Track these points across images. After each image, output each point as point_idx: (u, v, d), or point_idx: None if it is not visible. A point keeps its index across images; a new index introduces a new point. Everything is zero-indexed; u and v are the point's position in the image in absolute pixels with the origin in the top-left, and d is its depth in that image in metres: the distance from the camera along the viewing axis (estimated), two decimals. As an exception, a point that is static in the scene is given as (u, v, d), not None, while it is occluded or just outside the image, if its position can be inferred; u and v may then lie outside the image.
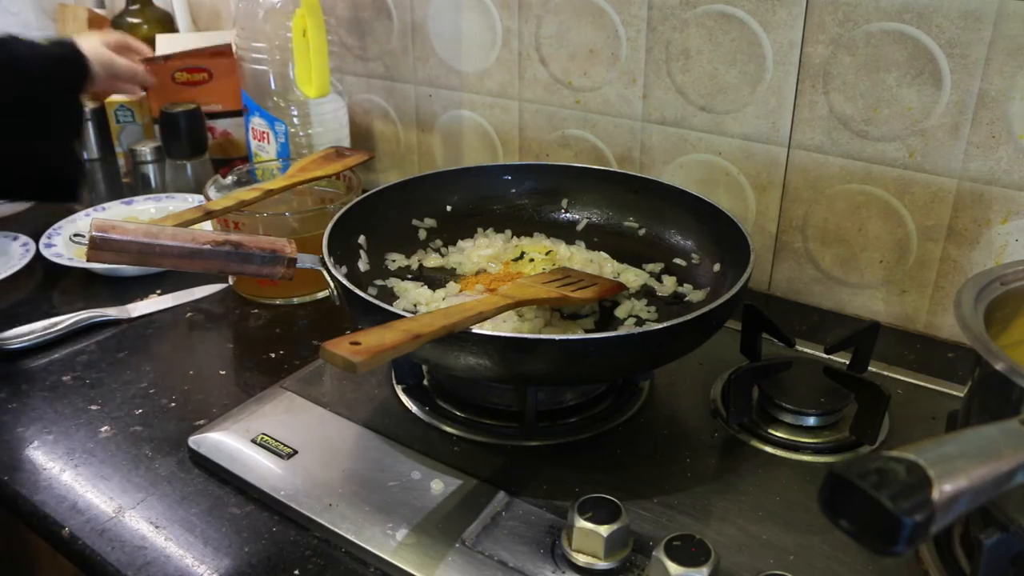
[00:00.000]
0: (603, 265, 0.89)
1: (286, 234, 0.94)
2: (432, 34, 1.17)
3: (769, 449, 0.73)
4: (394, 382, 0.81)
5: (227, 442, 0.73)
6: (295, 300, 0.99)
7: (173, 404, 0.80)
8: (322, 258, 0.75)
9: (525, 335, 0.72)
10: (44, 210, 1.24)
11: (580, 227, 0.95)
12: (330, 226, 0.79)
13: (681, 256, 0.89)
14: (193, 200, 1.19)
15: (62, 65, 0.94)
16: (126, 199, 1.21)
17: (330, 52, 1.10)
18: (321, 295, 0.99)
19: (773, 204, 0.98)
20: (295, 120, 1.16)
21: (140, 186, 1.27)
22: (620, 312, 0.82)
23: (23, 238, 1.10)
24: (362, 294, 0.68)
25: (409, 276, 0.88)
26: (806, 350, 0.85)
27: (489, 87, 1.15)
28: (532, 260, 0.89)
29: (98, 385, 0.84)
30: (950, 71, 0.82)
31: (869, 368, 0.81)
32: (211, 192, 1.01)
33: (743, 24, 0.92)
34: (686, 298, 0.84)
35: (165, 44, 1.36)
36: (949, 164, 0.85)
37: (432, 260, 0.90)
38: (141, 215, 1.17)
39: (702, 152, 1.00)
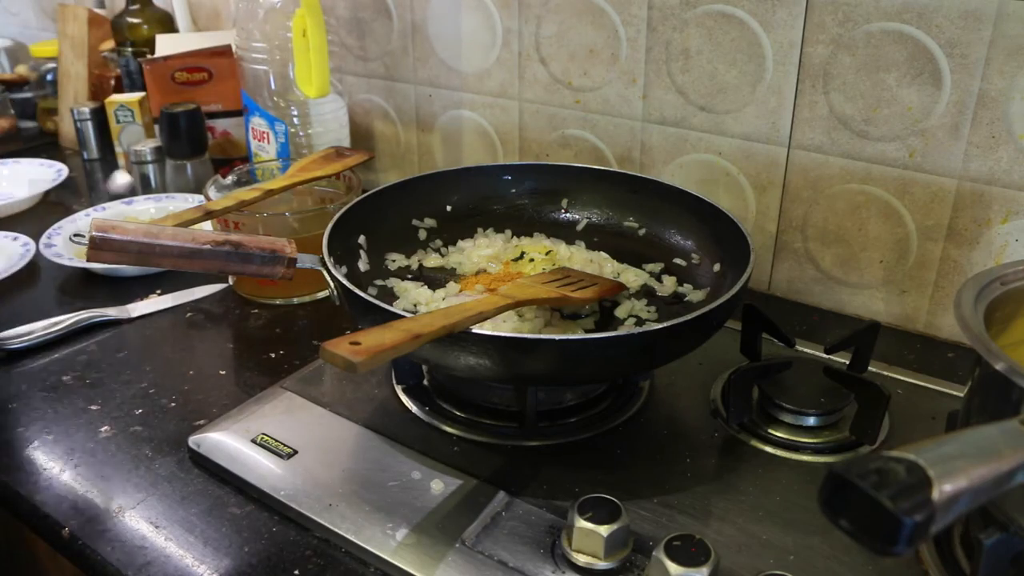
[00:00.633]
0: (603, 265, 0.89)
1: (286, 234, 0.94)
2: (432, 34, 1.17)
3: (769, 449, 0.73)
4: (394, 382, 0.81)
5: (227, 442, 0.73)
6: (295, 300, 0.99)
7: (173, 404, 0.80)
8: (322, 258, 0.75)
9: (525, 335, 0.72)
10: (44, 210, 1.25)
11: (580, 227, 0.95)
12: (330, 226, 0.79)
13: (681, 256, 0.89)
14: (193, 200, 1.19)
15: None
16: (126, 199, 1.21)
17: (330, 52, 1.10)
18: (321, 295, 0.99)
19: (773, 204, 0.98)
20: (295, 120, 1.16)
21: (140, 186, 1.27)
22: (620, 312, 0.82)
23: (23, 238, 1.10)
24: (362, 294, 0.68)
25: (409, 276, 0.88)
26: (806, 350, 0.85)
27: (489, 87, 1.15)
28: (532, 260, 0.89)
29: (98, 385, 0.84)
30: (950, 71, 0.82)
31: (869, 368, 0.81)
32: (211, 192, 1.01)
33: (743, 24, 0.92)
34: (686, 298, 0.84)
35: (165, 44, 1.36)
36: (949, 164, 0.85)
37: (432, 260, 0.90)
38: (141, 215, 1.17)
39: (702, 152, 1.00)
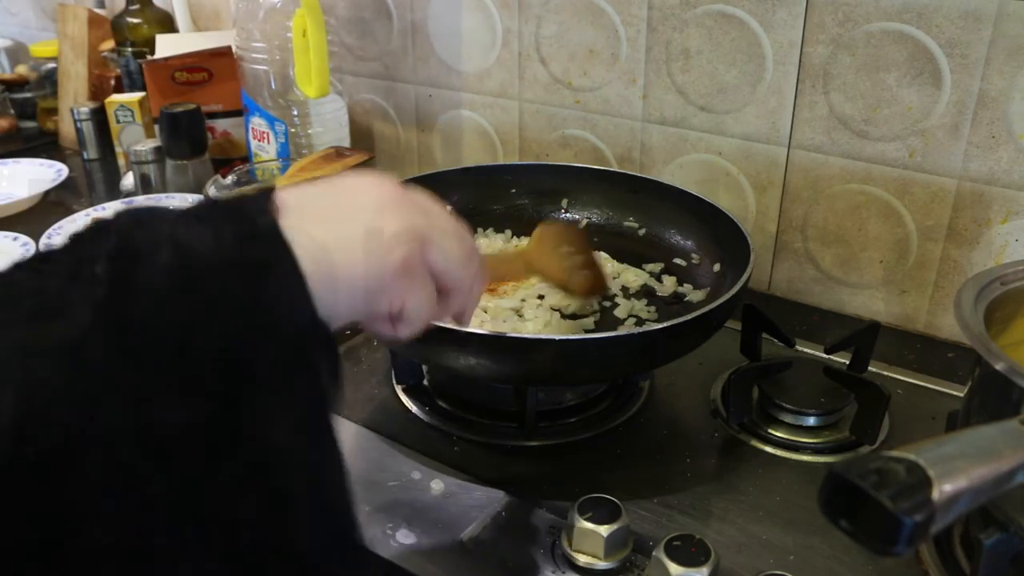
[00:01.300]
0: (603, 266, 0.89)
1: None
2: (432, 34, 1.17)
3: (769, 449, 0.73)
4: (394, 382, 0.81)
5: (227, 442, 0.72)
6: (295, 300, 0.99)
7: (173, 404, 0.80)
8: (322, 258, 0.75)
9: (525, 335, 0.72)
10: (44, 210, 1.25)
11: (580, 227, 0.95)
12: (330, 226, 0.79)
13: (681, 256, 0.89)
14: (193, 200, 1.19)
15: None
16: (126, 199, 1.21)
17: (330, 52, 1.10)
18: (321, 295, 0.99)
19: (773, 204, 0.98)
20: (295, 120, 1.16)
21: (140, 186, 1.27)
22: (620, 312, 0.82)
23: (23, 238, 1.10)
24: (362, 294, 0.68)
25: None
26: (806, 350, 0.85)
27: (489, 87, 1.15)
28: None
29: (98, 385, 0.83)
30: (950, 71, 0.82)
31: (869, 368, 0.81)
32: (211, 192, 1.01)
33: (743, 24, 0.92)
34: (686, 298, 0.84)
35: (165, 44, 1.36)
36: (949, 164, 0.85)
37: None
38: (141, 215, 1.17)
39: (702, 152, 1.00)
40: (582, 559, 0.59)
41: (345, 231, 0.42)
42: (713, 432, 0.75)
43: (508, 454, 0.72)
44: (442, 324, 0.59)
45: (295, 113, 1.15)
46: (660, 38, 0.98)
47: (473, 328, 0.62)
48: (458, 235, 0.49)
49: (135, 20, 1.43)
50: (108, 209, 1.18)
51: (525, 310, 0.79)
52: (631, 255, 0.91)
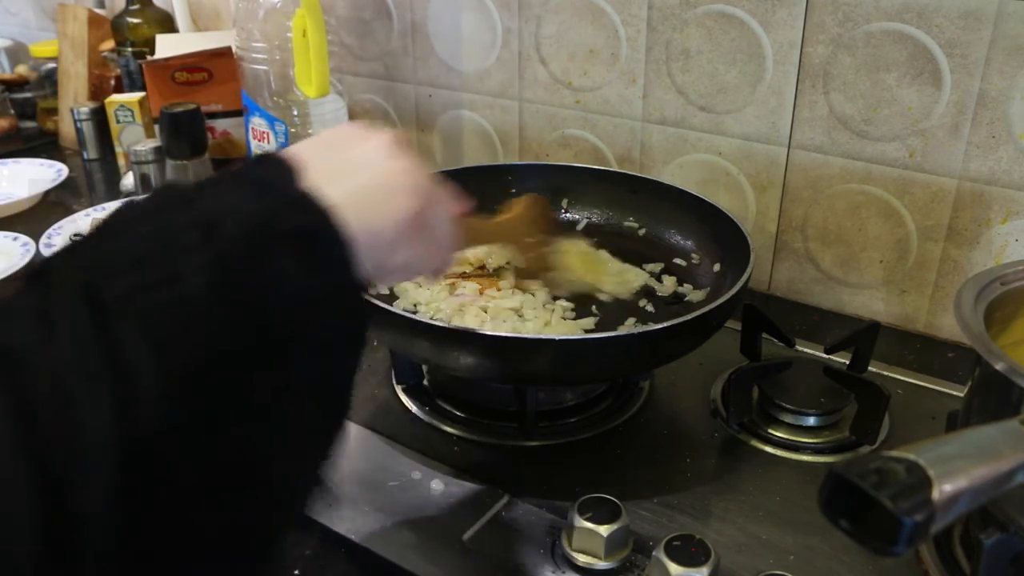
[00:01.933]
0: (603, 264, 0.89)
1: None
2: (432, 34, 1.17)
3: (769, 449, 0.73)
4: (394, 382, 0.81)
5: (227, 442, 0.72)
6: (295, 300, 0.99)
7: (173, 404, 0.80)
8: (322, 258, 0.75)
9: (525, 335, 0.72)
10: (44, 210, 1.25)
11: (580, 227, 0.95)
12: (330, 226, 0.79)
13: (681, 256, 0.89)
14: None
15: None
16: (126, 199, 1.21)
17: (330, 52, 1.10)
18: (321, 295, 0.99)
19: (773, 204, 0.98)
20: (295, 120, 1.16)
21: (140, 186, 1.27)
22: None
23: (23, 238, 1.10)
24: (362, 294, 0.68)
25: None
26: (806, 350, 0.85)
27: (489, 87, 1.15)
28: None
29: (98, 385, 0.83)
30: (950, 71, 0.82)
31: (869, 368, 0.81)
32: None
33: (743, 24, 0.92)
34: (686, 298, 0.84)
35: (165, 44, 1.36)
36: (949, 164, 0.85)
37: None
38: (141, 215, 1.17)
39: (702, 152, 1.00)
40: (582, 559, 0.59)
41: (356, 187, 0.44)
42: (713, 432, 0.75)
43: (508, 454, 0.72)
44: (439, 323, 0.59)
45: (295, 113, 1.15)
46: (660, 38, 0.98)
47: (473, 328, 0.62)
48: (445, 192, 0.52)
49: (135, 20, 1.43)
50: (107, 210, 1.18)
51: (525, 310, 0.79)
52: (631, 255, 0.91)
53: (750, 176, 0.98)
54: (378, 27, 1.22)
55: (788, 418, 0.75)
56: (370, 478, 0.69)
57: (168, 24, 1.46)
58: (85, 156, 1.45)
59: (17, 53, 1.75)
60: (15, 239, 1.10)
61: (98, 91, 1.47)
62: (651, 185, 0.92)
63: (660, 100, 1.01)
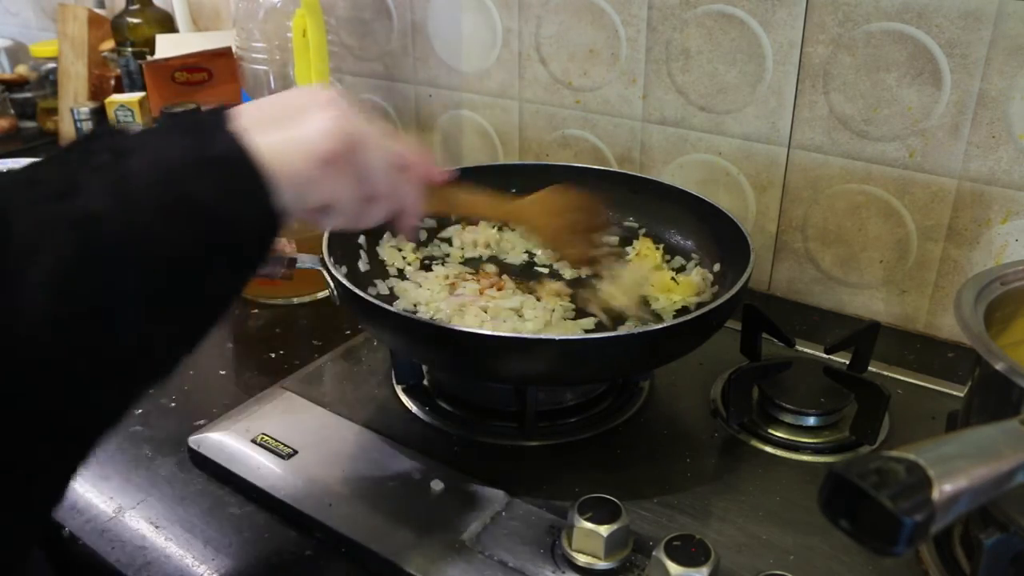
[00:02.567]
0: (602, 244, 0.89)
1: (286, 234, 0.94)
2: (432, 34, 1.17)
3: (769, 449, 0.73)
4: (394, 382, 0.81)
5: (227, 442, 0.72)
6: (295, 300, 0.99)
7: (173, 404, 0.80)
8: (322, 258, 0.75)
9: (525, 335, 0.72)
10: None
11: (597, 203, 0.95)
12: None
13: (681, 256, 0.89)
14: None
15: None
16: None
17: (330, 52, 1.10)
18: (321, 295, 0.99)
19: (773, 204, 0.98)
20: (295, 120, 1.15)
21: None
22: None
23: (23, 238, 1.10)
24: (362, 294, 0.68)
25: (408, 276, 0.88)
26: (806, 350, 0.85)
27: (489, 87, 1.15)
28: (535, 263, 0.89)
29: (98, 385, 0.83)
30: (950, 71, 0.82)
31: (869, 368, 0.81)
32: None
33: (743, 24, 0.92)
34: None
35: (165, 44, 1.36)
36: (949, 164, 0.85)
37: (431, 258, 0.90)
38: (141, 215, 1.17)
39: (702, 152, 1.00)
40: (582, 559, 0.59)
41: (282, 133, 0.47)
42: (713, 432, 0.75)
43: (508, 454, 0.72)
44: (439, 323, 0.59)
45: (295, 113, 1.15)
46: (660, 38, 0.98)
47: (473, 328, 0.62)
48: (387, 145, 0.53)
49: (135, 20, 1.43)
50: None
51: (525, 310, 0.79)
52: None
53: (750, 176, 0.98)
54: (378, 27, 1.22)
55: (788, 418, 0.75)
56: (370, 478, 0.69)
57: (168, 24, 1.46)
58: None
59: (17, 53, 1.75)
60: (15, 239, 1.10)
61: (98, 91, 1.47)
62: (651, 185, 0.92)
63: (660, 100, 1.01)
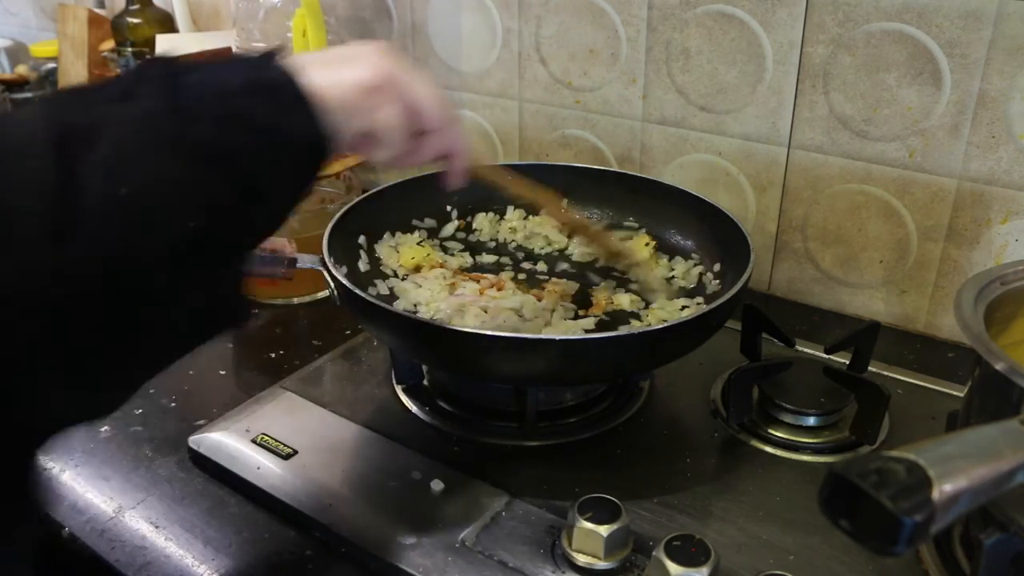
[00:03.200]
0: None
1: (286, 234, 0.94)
2: (432, 34, 1.17)
3: (769, 449, 0.73)
4: (394, 382, 0.81)
5: (227, 442, 0.73)
6: (295, 300, 0.99)
7: (173, 404, 0.80)
8: (322, 258, 0.75)
9: (525, 335, 0.72)
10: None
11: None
12: (330, 226, 0.79)
13: (681, 256, 0.89)
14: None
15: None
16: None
17: (330, 52, 1.10)
18: (321, 295, 0.99)
19: (773, 204, 0.98)
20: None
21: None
22: (621, 301, 0.82)
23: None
24: (362, 294, 0.68)
25: (408, 276, 0.88)
26: (806, 350, 0.85)
27: (489, 87, 1.15)
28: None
29: (98, 385, 0.83)
30: (950, 71, 0.82)
31: (869, 368, 0.81)
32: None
33: (743, 24, 0.92)
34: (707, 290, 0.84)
35: (165, 44, 1.36)
36: (949, 164, 0.85)
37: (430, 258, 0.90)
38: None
39: (702, 152, 1.00)
40: (582, 559, 0.59)
41: (333, 70, 0.50)
42: (713, 432, 0.75)
43: (508, 454, 0.72)
44: (439, 323, 0.59)
45: (295, 113, 1.15)
46: (660, 38, 0.98)
47: (473, 328, 0.62)
48: (433, 86, 0.55)
49: (135, 20, 1.43)
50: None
51: (525, 310, 0.79)
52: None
53: (750, 176, 0.98)
54: (378, 27, 1.22)
55: (788, 418, 0.75)
56: (370, 478, 0.69)
57: (168, 24, 1.46)
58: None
59: (17, 53, 1.75)
60: (15, 239, 1.10)
61: (98, 91, 1.47)
62: (651, 185, 0.92)
63: (660, 100, 1.01)
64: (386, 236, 0.89)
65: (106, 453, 0.74)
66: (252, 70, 0.47)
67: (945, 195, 0.86)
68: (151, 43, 1.38)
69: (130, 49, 1.40)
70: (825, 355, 0.83)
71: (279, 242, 0.75)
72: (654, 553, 0.56)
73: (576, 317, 0.80)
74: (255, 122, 0.45)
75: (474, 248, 0.92)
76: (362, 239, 0.86)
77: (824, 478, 0.37)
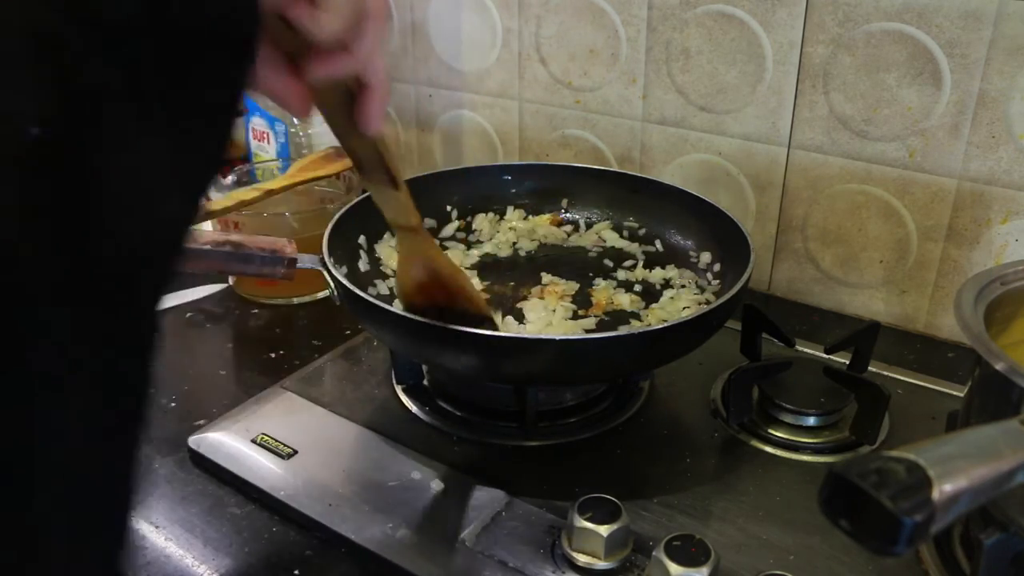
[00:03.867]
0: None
1: (286, 234, 0.94)
2: (432, 34, 1.17)
3: (769, 449, 0.73)
4: (394, 382, 0.81)
5: (227, 442, 0.73)
6: (295, 300, 0.99)
7: (173, 404, 0.80)
8: (322, 258, 0.75)
9: (525, 335, 0.72)
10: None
11: (581, 226, 0.95)
12: (330, 226, 0.79)
13: (681, 256, 0.89)
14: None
15: None
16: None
17: (330, 52, 1.10)
18: (321, 295, 0.99)
19: (773, 204, 0.98)
20: (295, 120, 1.16)
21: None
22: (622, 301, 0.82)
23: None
24: (362, 294, 0.68)
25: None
26: (806, 350, 0.85)
27: (489, 87, 1.15)
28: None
29: (98, 385, 0.83)
30: (950, 71, 0.82)
31: (869, 368, 0.81)
32: (211, 192, 1.01)
33: (743, 24, 0.92)
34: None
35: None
36: (949, 164, 0.85)
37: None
38: (141, 215, 1.17)
39: (702, 152, 1.00)
40: (582, 559, 0.59)
41: None
42: (713, 432, 0.75)
43: (508, 454, 0.72)
44: (439, 323, 0.59)
45: (295, 113, 1.15)
46: (660, 38, 0.98)
47: (473, 328, 0.62)
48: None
49: (135, 20, 1.42)
50: None
51: (525, 310, 0.79)
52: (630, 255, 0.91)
53: (750, 176, 0.98)
54: (378, 27, 1.22)
55: (788, 418, 0.75)
56: (370, 478, 0.69)
57: (168, 24, 1.46)
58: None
59: (17, 53, 1.74)
60: (15, 239, 1.10)
61: (98, 91, 1.47)
62: (651, 185, 0.92)
63: (660, 100, 1.01)
64: (386, 236, 0.89)
65: (106, 453, 0.74)
66: None
67: (945, 195, 0.86)
68: (151, 43, 1.38)
69: (130, 49, 1.40)
70: (825, 355, 0.83)
71: (279, 242, 0.75)
72: (654, 553, 0.56)
73: (576, 317, 0.80)
74: None
75: (473, 248, 0.92)
76: (362, 239, 0.86)
77: (824, 478, 0.37)
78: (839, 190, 0.92)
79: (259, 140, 1.18)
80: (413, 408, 0.78)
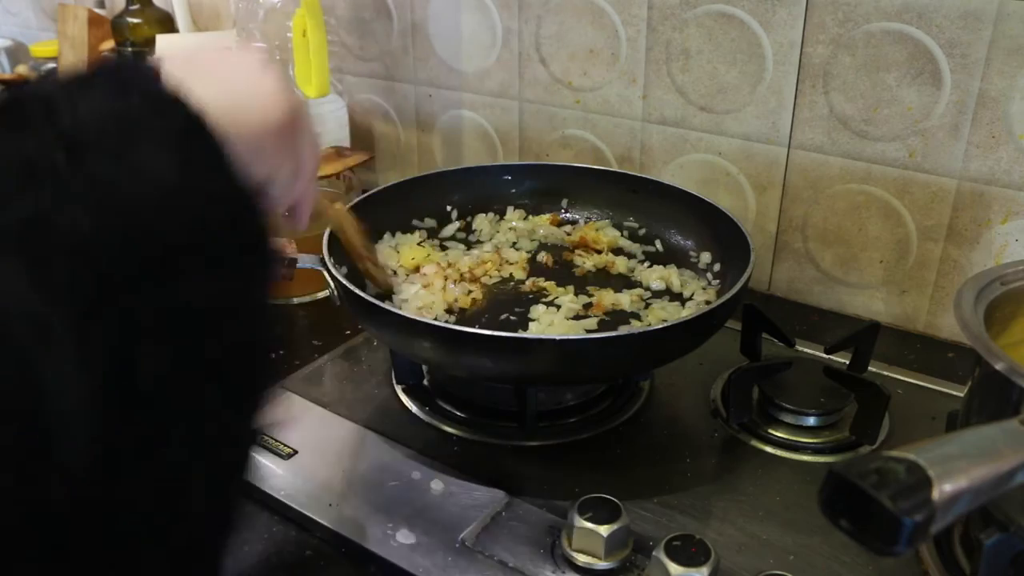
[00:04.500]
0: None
1: (286, 234, 0.94)
2: (432, 34, 1.17)
3: (769, 449, 0.73)
4: (394, 382, 0.81)
5: (227, 442, 0.72)
6: (295, 300, 0.99)
7: (173, 404, 0.80)
8: (322, 258, 0.75)
9: (525, 335, 0.72)
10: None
11: (580, 226, 0.95)
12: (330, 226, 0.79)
13: (681, 256, 0.89)
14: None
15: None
16: None
17: (330, 52, 1.10)
18: (321, 295, 0.99)
19: (773, 204, 0.98)
20: (295, 120, 1.15)
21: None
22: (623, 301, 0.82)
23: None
24: (362, 294, 0.68)
25: (407, 276, 0.88)
26: (806, 350, 0.85)
27: (489, 87, 1.15)
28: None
29: (98, 385, 0.83)
30: (950, 71, 0.82)
31: (869, 368, 0.81)
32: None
33: (743, 24, 0.92)
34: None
35: (165, 44, 1.36)
36: (949, 164, 0.85)
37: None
38: (141, 215, 1.17)
39: (702, 152, 1.00)
40: (582, 559, 0.59)
41: (223, 87, 0.40)
42: (713, 432, 0.75)
43: (508, 454, 0.72)
44: (439, 323, 0.59)
45: (295, 113, 1.15)
46: (660, 38, 0.98)
47: (473, 328, 0.62)
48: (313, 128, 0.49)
49: (135, 20, 1.43)
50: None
51: (529, 312, 0.79)
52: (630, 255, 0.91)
53: (750, 176, 0.98)
54: (378, 27, 1.22)
55: (788, 418, 0.75)
56: (370, 478, 0.69)
57: (168, 24, 1.46)
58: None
59: (17, 53, 1.75)
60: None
61: (98, 91, 1.47)
62: (651, 185, 0.92)
63: (660, 100, 1.01)
64: (386, 236, 0.89)
65: (106, 453, 0.74)
66: (155, 106, 0.35)
67: (945, 195, 0.86)
68: (151, 43, 1.38)
69: (130, 49, 1.40)
70: (825, 355, 0.83)
71: (279, 242, 0.74)
72: (654, 553, 0.56)
73: (576, 317, 0.80)
74: (169, 186, 0.34)
75: (473, 248, 0.92)
76: (362, 239, 0.86)
77: (824, 478, 0.37)
78: (839, 190, 0.92)
79: (259, 140, 1.18)
80: (413, 408, 0.78)
